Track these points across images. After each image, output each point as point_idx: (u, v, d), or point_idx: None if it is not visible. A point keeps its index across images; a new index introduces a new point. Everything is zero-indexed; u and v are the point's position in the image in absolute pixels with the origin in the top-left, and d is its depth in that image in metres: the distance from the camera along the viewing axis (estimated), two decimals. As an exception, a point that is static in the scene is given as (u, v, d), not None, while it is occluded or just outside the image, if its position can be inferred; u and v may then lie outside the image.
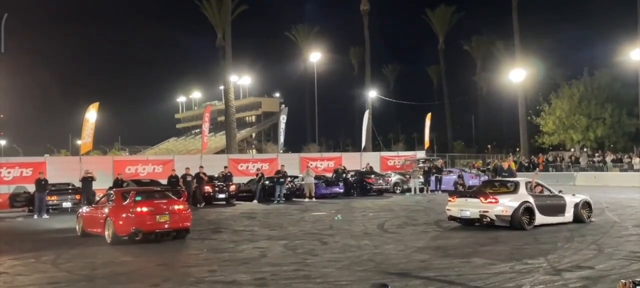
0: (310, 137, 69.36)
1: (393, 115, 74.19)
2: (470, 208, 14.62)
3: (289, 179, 28.77)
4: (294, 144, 63.03)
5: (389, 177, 32.18)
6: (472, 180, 31.67)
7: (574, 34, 66.02)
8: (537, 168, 34.23)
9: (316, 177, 29.24)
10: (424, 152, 40.44)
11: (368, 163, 34.81)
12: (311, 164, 33.08)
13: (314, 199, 27.54)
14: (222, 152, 60.71)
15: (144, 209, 13.67)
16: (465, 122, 76.30)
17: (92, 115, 28.60)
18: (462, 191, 21.97)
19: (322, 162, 36.64)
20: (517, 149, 56.04)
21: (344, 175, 31.25)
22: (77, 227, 15.84)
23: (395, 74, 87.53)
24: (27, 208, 24.68)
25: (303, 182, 28.78)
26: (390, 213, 19.63)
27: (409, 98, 65.36)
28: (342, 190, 29.60)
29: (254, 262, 10.59)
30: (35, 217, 22.32)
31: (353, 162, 36.15)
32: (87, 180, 24.58)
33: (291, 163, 33.83)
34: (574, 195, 15.79)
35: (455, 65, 74.24)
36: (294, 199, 28.09)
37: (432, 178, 31.47)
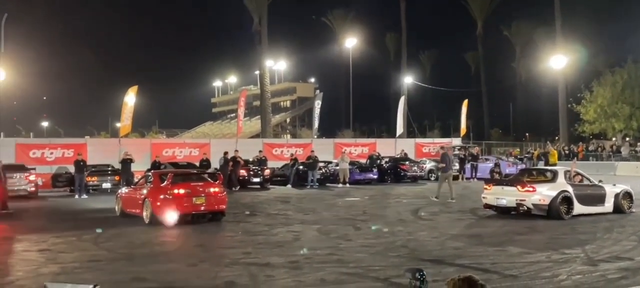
0: (344, 122, 69.29)
1: (429, 101, 73.25)
2: (506, 196, 14.43)
3: (321, 164, 28.91)
4: (328, 130, 63.19)
5: (424, 163, 31.96)
6: (509, 168, 31.18)
7: (618, 20, 63.83)
8: (576, 158, 33.47)
9: (350, 163, 29.26)
10: (459, 139, 39.94)
11: (402, 150, 34.62)
12: (346, 150, 33.07)
13: (347, 185, 27.60)
14: (257, 136, 61.23)
15: (181, 191, 13.93)
16: (503, 110, 74.87)
17: (131, 98, 29.18)
18: (498, 179, 21.67)
19: (357, 148, 36.61)
20: (556, 138, 54.77)
21: (378, 161, 31.18)
22: (116, 207, 16.21)
23: (431, 60, 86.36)
24: (69, 188, 25.42)
25: (337, 168, 28.92)
26: (424, 200, 19.54)
27: (445, 84, 64.60)
28: (376, 177, 29.55)
29: (287, 245, 10.73)
30: (76, 196, 23.00)
31: (387, 148, 36.07)
32: (126, 162, 25.13)
33: (325, 149, 33.88)
34: (614, 185, 15.43)
35: (494, 51, 72.73)
36: (327, 185, 28.31)
37: (468, 166, 31.12)
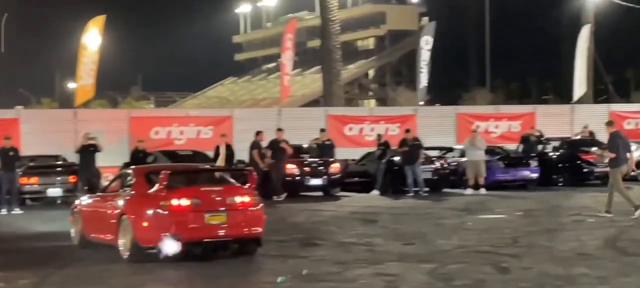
0: (475, 77, 68.87)
1: (636, 36, 71.18)
2: None
3: (431, 154, 28.78)
4: (446, 90, 62.78)
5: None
6: None
7: None
8: None
9: (488, 151, 28.89)
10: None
11: (585, 126, 33.84)
12: (478, 127, 32.65)
13: (482, 190, 27.33)
14: (315, 102, 61.47)
15: (185, 202, 14.00)
16: None
17: (92, 38, 29.82)
18: None
19: (498, 123, 36.13)
20: None
21: (540, 146, 30.66)
22: (72, 230, 16.57)
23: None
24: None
25: (463, 160, 28.70)
26: (630, 219, 19.02)
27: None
28: (535, 174, 29.08)
29: None
30: (3, 212, 23.60)
31: (556, 122, 35.65)
32: (88, 152, 25.56)
33: (440, 125, 33.73)
34: None
35: None
36: (444, 190, 28.05)
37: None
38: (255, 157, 26.66)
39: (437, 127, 33.23)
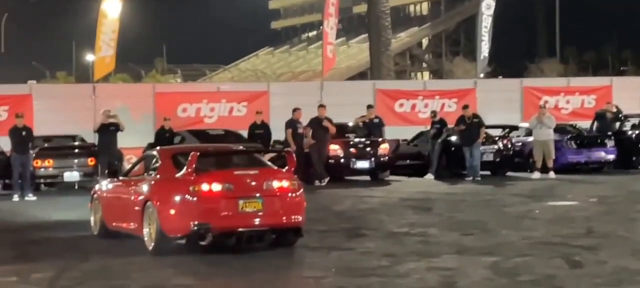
0: (543, 45, 68.24)
1: None
2: None
3: (493, 133, 28.71)
4: (510, 60, 62.31)
5: None
6: None
7: None
8: None
9: (557, 129, 28.65)
10: None
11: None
12: (546, 102, 32.38)
13: (551, 174, 27.16)
14: (362, 75, 61.51)
15: (216, 187, 14.06)
16: None
17: (113, 4, 29.96)
18: None
19: (570, 98, 35.91)
20: None
21: (618, 124, 30.47)
22: (91, 218, 16.72)
23: None
24: (1, 181, 26.43)
25: (529, 139, 28.50)
26: None
27: None
28: (612, 156, 28.84)
29: None
30: (15, 198, 23.83)
31: (635, 96, 35.18)
32: (108, 131, 25.68)
33: (504, 99, 33.66)
34: None
35: None
36: (508, 174, 28.04)
37: None
38: (289, 137, 26.70)
39: (500, 103, 32.91)
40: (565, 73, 56.67)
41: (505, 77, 47.55)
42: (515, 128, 30.79)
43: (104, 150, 25.51)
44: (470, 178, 26.88)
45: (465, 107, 28.94)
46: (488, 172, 27.56)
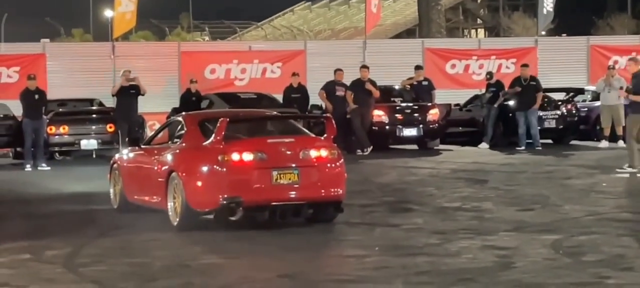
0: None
1: None
2: None
3: (556, 97, 28.41)
4: (575, 16, 62.06)
5: None
6: None
7: None
8: None
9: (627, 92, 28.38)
10: None
11: None
12: (616, 63, 31.84)
13: (621, 142, 26.47)
14: (409, 33, 61.41)
15: (248, 157, 14.00)
16: None
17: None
18: None
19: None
20: None
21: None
22: (110, 191, 16.67)
23: None
24: (12, 149, 26.52)
25: (596, 104, 28.04)
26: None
27: None
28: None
29: (487, 277, 10.47)
30: (28, 168, 23.78)
31: None
32: (129, 94, 25.62)
33: (568, 59, 33.45)
34: None
35: None
36: (572, 142, 27.92)
37: None
38: (322, 98, 26.56)
39: (564, 64, 32.64)
40: (638, 30, 56.24)
41: (569, 34, 47.11)
42: (580, 91, 30.20)
43: (123, 116, 25.43)
44: (522, 147, 26.57)
45: (524, 66, 28.57)
46: (550, 141, 27.51)
